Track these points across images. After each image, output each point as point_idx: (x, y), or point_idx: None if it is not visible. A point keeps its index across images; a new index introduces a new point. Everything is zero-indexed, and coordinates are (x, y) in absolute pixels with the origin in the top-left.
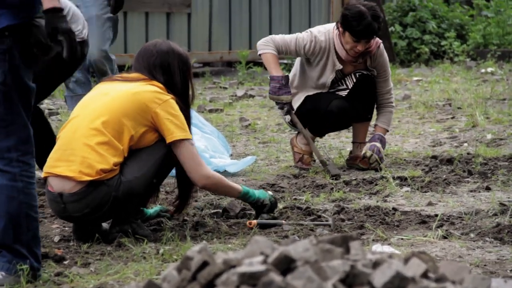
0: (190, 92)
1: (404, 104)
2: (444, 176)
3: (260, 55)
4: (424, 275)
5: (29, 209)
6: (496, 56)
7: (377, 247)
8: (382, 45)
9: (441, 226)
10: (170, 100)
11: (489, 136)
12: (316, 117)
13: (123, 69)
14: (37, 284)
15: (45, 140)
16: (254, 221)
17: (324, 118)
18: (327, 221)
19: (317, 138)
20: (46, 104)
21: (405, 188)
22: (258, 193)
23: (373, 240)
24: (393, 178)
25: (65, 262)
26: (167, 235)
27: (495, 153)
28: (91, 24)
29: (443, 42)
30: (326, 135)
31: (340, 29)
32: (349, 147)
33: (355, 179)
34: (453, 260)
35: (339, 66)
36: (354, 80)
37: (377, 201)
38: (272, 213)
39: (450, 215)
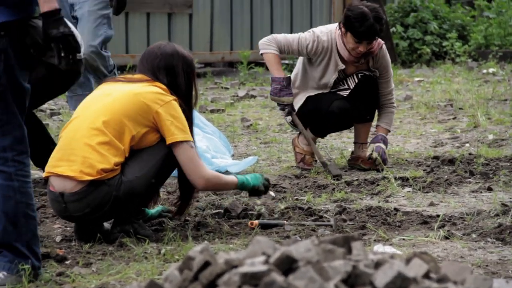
0: (194, 94)
1: (405, 105)
2: (446, 176)
3: (262, 54)
4: (426, 276)
5: (27, 208)
6: (498, 56)
7: (379, 248)
8: (384, 46)
9: (442, 226)
10: (172, 102)
11: (490, 137)
12: (317, 117)
13: (125, 69)
14: (38, 284)
15: (40, 140)
16: (256, 221)
17: (325, 119)
18: (328, 221)
19: (319, 139)
20: (48, 104)
21: (407, 189)
22: (252, 179)
23: (374, 240)
24: (395, 178)
25: (67, 262)
26: (168, 235)
27: (497, 153)
28: (83, 20)
29: (445, 43)
30: (328, 135)
31: (343, 29)
32: (351, 148)
33: (357, 180)
34: (454, 260)
35: (341, 66)
36: (356, 81)
37: (379, 202)
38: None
39: (451, 216)
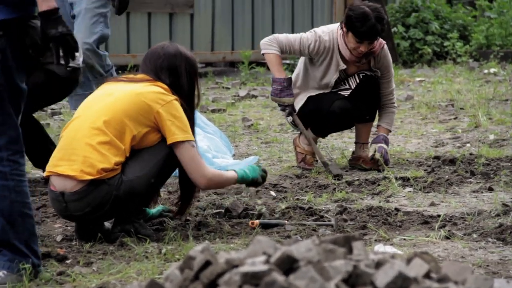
0: (196, 95)
1: (406, 105)
2: (447, 176)
3: (263, 54)
4: (427, 276)
5: (23, 207)
6: (499, 57)
7: (380, 248)
8: (386, 46)
9: (443, 226)
10: (173, 101)
11: (491, 137)
12: (318, 117)
13: (126, 69)
14: (39, 283)
15: (38, 141)
16: (257, 221)
17: (326, 119)
18: (329, 221)
19: (320, 139)
20: None
21: (408, 189)
22: (250, 172)
23: (375, 240)
24: (396, 178)
25: (68, 262)
26: (169, 235)
27: (498, 153)
28: (79, 18)
29: (446, 43)
30: (329, 135)
31: (344, 29)
32: (352, 148)
33: (358, 180)
34: (455, 260)
35: (342, 66)
36: (358, 81)
37: (380, 202)
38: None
39: (452, 216)
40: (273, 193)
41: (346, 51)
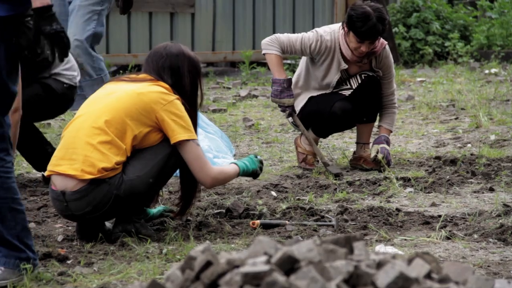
0: (199, 95)
1: (407, 105)
2: (448, 177)
3: (264, 54)
4: (428, 276)
5: (12, 202)
6: (500, 57)
7: (381, 248)
8: (387, 47)
9: (444, 227)
10: (175, 101)
11: (492, 137)
12: (319, 118)
13: (127, 68)
14: (40, 284)
15: (35, 144)
16: (257, 221)
17: (327, 120)
18: (330, 221)
19: (321, 139)
20: None
21: (409, 189)
22: (250, 164)
23: (376, 240)
24: (397, 178)
25: (68, 262)
26: (170, 235)
27: (499, 154)
28: (72, 15)
29: (447, 43)
30: (330, 135)
31: (345, 29)
32: (353, 148)
33: (359, 180)
34: (456, 261)
35: (344, 66)
36: (359, 81)
37: (381, 202)
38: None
39: (453, 216)
40: (274, 193)
41: (347, 51)
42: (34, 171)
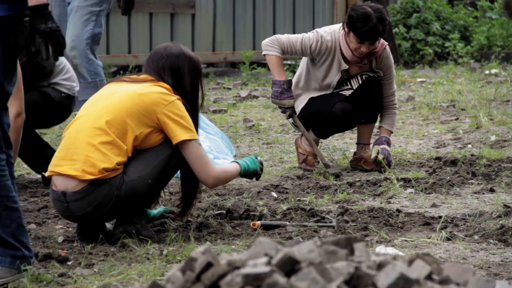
0: (200, 96)
1: (408, 106)
2: (448, 177)
3: (264, 55)
4: (429, 277)
5: (7, 200)
6: (500, 57)
7: (381, 249)
8: (388, 47)
9: (445, 227)
10: (176, 101)
11: (493, 138)
12: (319, 119)
13: (127, 69)
14: (40, 285)
15: (34, 146)
16: (258, 222)
17: (328, 121)
18: (331, 222)
19: (321, 140)
20: None
21: (409, 190)
22: (251, 163)
23: (376, 241)
24: (397, 179)
25: (69, 263)
26: (170, 236)
27: (499, 154)
28: (70, 16)
29: (447, 44)
30: (330, 136)
31: (346, 29)
32: (353, 148)
33: (359, 181)
34: (457, 262)
35: (344, 66)
36: (360, 82)
37: (381, 203)
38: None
39: (454, 217)
40: (274, 194)
41: (348, 51)
42: (35, 171)
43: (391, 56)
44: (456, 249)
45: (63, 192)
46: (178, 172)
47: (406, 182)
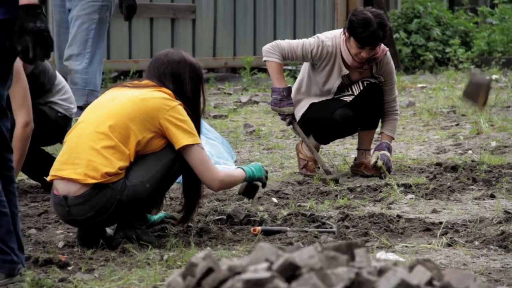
0: (201, 102)
1: (408, 111)
2: (449, 183)
3: (265, 61)
4: (429, 283)
5: None
6: (501, 63)
7: (381, 255)
8: (388, 53)
9: (445, 233)
10: (177, 106)
11: (493, 144)
12: (320, 125)
13: (128, 74)
14: None
15: (33, 153)
16: (258, 228)
17: (328, 127)
18: (331, 228)
19: (322, 145)
20: None
21: (410, 195)
22: (256, 171)
23: (377, 247)
24: (398, 185)
25: (69, 268)
26: (171, 241)
27: (500, 160)
28: (70, 25)
29: (448, 49)
30: (331, 142)
31: (346, 34)
32: (353, 154)
33: (360, 186)
34: (457, 268)
35: (345, 72)
36: (361, 88)
37: (382, 208)
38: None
39: (454, 223)
40: (275, 199)
41: (348, 57)
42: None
43: (391, 62)
44: (456, 255)
45: (65, 196)
46: (180, 177)
47: (407, 188)
